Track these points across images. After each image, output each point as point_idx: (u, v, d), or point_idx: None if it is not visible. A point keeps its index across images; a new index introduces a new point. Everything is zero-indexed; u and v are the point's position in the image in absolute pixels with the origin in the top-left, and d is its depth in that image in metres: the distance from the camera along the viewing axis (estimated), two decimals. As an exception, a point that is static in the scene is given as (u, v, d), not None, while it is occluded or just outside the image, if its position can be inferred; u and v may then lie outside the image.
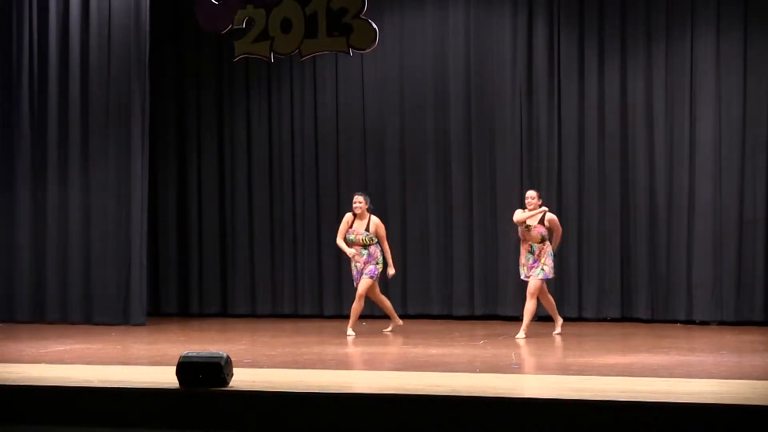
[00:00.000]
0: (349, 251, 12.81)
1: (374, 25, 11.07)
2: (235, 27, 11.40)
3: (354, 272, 12.96)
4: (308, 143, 15.24)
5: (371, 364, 10.45)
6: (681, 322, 13.87)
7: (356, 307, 12.87)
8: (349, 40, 11.10)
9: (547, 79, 14.42)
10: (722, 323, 13.68)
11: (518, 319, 14.40)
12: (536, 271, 12.53)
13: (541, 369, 9.88)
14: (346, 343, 12.22)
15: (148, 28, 14.20)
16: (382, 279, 13.10)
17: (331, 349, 11.66)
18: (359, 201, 12.90)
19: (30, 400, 8.59)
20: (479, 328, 13.43)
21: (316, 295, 15.11)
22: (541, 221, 12.60)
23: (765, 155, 13.74)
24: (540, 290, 12.59)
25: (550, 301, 12.84)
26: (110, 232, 14.43)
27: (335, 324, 14.28)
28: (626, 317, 14.12)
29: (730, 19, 13.78)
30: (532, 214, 12.56)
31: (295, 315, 15.15)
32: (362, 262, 12.83)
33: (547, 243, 12.59)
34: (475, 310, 14.54)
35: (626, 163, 14.19)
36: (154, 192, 15.30)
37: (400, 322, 13.30)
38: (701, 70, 13.90)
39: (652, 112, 14.08)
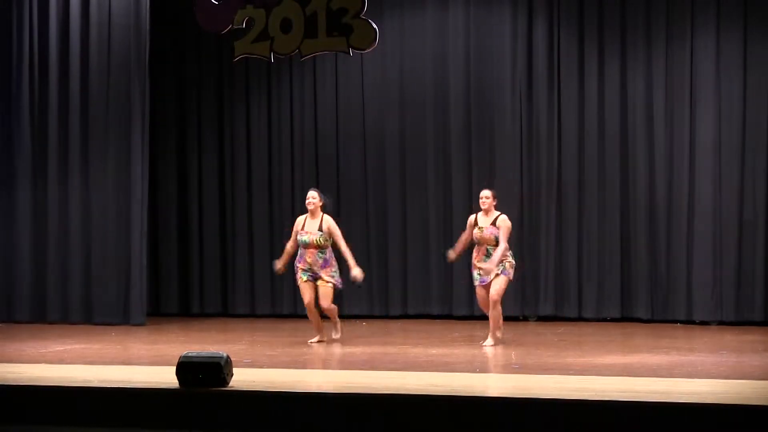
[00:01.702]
0: (280, 264, 12.11)
1: (374, 25, 11.08)
2: (235, 27, 11.41)
3: (303, 274, 11.94)
4: (308, 143, 15.24)
5: (371, 364, 10.45)
6: (681, 322, 13.87)
7: (332, 311, 12.11)
8: (349, 40, 11.11)
9: (547, 79, 14.42)
10: (722, 323, 13.68)
11: (518, 319, 14.43)
12: (497, 273, 11.62)
13: (541, 369, 9.88)
14: (346, 343, 12.21)
15: (148, 28, 14.21)
16: (348, 285, 12.26)
17: (330, 349, 11.65)
18: (313, 197, 11.96)
19: (30, 400, 8.59)
20: (479, 328, 13.41)
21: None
22: (494, 222, 11.70)
23: (765, 155, 13.74)
24: (500, 294, 11.65)
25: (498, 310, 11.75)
26: (110, 232, 14.44)
27: (335, 324, 14.30)
28: (626, 317, 14.12)
29: (730, 19, 13.78)
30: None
31: (295, 315, 15.13)
32: (319, 266, 11.88)
33: (507, 245, 11.70)
34: (474, 310, 14.49)
35: (626, 163, 14.19)
36: (154, 192, 15.31)
37: (325, 338, 12.15)
38: (701, 70, 13.90)
39: (652, 112, 14.08)
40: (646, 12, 14.07)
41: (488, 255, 11.63)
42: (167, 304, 15.69)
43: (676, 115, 14.01)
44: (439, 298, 14.76)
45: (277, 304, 15.34)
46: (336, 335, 12.23)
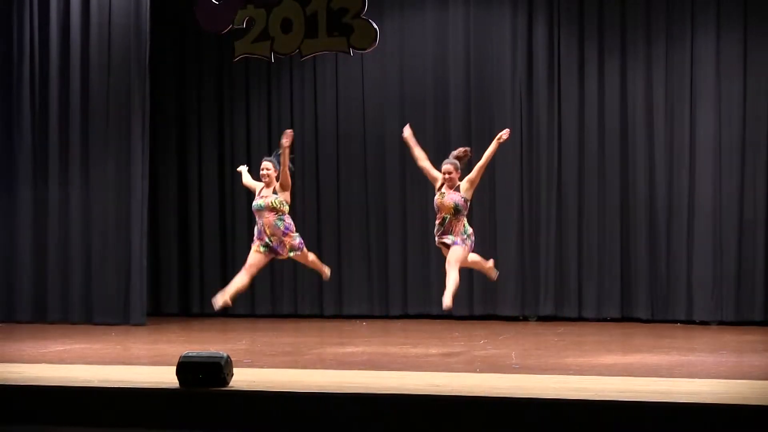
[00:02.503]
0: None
1: (375, 25, 11.08)
2: (235, 27, 11.40)
3: (262, 246, 11.58)
4: (308, 143, 15.24)
5: (371, 364, 10.45)
6: (681, 322, 13.88)
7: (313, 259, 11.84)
8: (350, 40, 11.10)
9: (547, 79, 14.42)
10: (722, 323, 13.68)
11: (518, 319, 14.43)
12: (446, 239, 11.23)
13: (541, 369, 9.88)
14: (346, 343, 12.21)
15: (148, 28, 14.21)
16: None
17: (331, 349, 11.65)
18: (267, 168, 11.58)
19: (30, 400, 8.59)
20: (479, 328, 13.44)
21: (315, 295, 15.11)
22: (458, 189, 11.21)
23: (765, 155, 13.75)
24: (464, 260, 11.27)
25: (475, 261, 11.58)
26: (111, 232, 14.45)
27: (336, 324, 14.30)
28: (626, 317, 14.12)
29: (731, 20, 13.79)
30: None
31: (295, 315, 15.15)
32: (280, 234, 11.50)
33: (462, 218, 11.19)
34: (474, 310, 14.54)
35: (626, 163, 14.20)
36: (154, 192, 15.30)
37: (327, 270, 12.03)
38: (701, 70, 13.90)
39: (652, 112, 14.08)
40: (646, 12, 14.08)
41: (442, 224, 11.19)
42: (167, 304, 15.70)
43: (676, 115, 14.02)
44: (439, 298, 14.66)
45: (277, 304, 15.34)
46: (326, 270, 12.04)
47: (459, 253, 11.21)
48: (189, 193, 15.71)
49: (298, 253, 11.69)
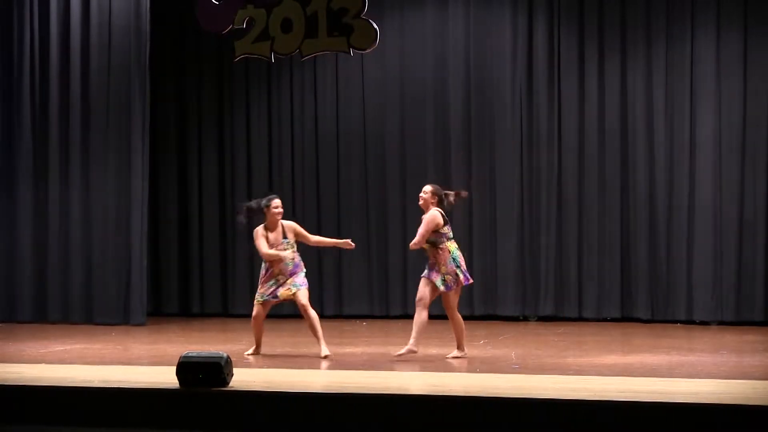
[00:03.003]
0: (284, 254, 10.94)
1: (375, 25, 11.08)
2: (235, 27, 11.40)
3: (272, 287, 11.09)
4: (308, 143, 15.25)
5: (371, 364, 10.45)
6: (681, 322, 13.88)
7: (314, 318, 11.03)
8: (350, 40, 11.10)
9: (547, 79, 14.43)
10: (722, 323, 13.69)
11: (518, 319, 14.43)
12: (437, 281, 10.63)
13: (541, 369, 9.88)
14: (346, 343, 12.21)
15: (148, 28, 14.22)
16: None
17: (331, 349, 11.65)
18: (280, 206, 11.16)
19: (30, 400, 8.60)
20: (479, 328, 13.42)
21: (316, 295, 15.07)
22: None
23: (765, 155, 13.75)
24: (451, 306, 10.68)
25: (458, 322, 10.73)
26: (111, 232, 14.45)
27: (336, 324, 14.29)
28: (626, 317, 14.12)
29: (730, 19, 13.79)
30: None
31: (295, 315, 15.09)
32: (287, 273, 11.05)
33: (444, 247, 10.50)
34: (474, 310, 14.54)
35: (626, 163, 14.20)
36: (154, 192, 15.31)
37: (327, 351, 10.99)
38: (701, 70, 13.91)
39: (652, 112, 14.09)
40: (646, 11, 14.08)
41: (426, 256, 10.65)
42: (167, 304, 15.70)
43: (676, 115, 14.02)
44: (439, 298, 14.71)
45: (277, 304, 15.31)
46: (325, 352, 10.96)
47: (450, 300, 10.65)
48: (189, 192, 15.72)
49: (302, 291, 11.05)
